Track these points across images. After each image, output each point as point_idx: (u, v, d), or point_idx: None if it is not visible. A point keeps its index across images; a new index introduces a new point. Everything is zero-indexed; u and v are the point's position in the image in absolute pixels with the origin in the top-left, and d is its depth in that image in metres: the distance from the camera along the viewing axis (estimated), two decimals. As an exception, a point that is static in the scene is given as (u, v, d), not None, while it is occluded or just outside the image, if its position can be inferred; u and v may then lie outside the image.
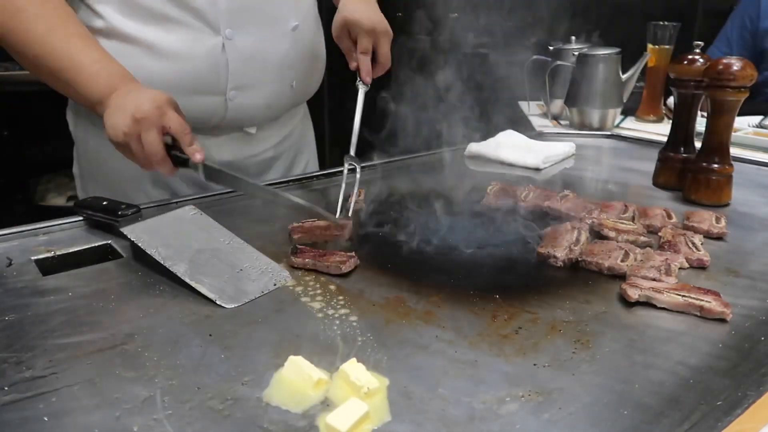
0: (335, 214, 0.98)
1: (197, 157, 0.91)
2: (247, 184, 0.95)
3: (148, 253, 0.78)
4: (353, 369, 0.57)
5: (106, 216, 0.90)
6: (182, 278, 0.75)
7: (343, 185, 1.03)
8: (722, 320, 0.69)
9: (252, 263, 0.80)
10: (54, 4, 0.98)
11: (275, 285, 0.76)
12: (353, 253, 0.83)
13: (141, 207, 0.92)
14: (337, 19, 1.14)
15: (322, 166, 1.44)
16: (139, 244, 0.80)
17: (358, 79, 1.13)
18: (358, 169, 1.09)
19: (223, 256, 0.80)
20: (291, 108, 1.29)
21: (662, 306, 0.72)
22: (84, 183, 1.23)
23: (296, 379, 0.57)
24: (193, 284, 0.74)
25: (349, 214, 1.00)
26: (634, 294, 0.73)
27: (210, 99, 1.11)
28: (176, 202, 1.05)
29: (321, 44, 1.29)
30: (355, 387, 0.56)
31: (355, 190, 1.06)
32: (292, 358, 0.59)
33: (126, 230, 0.82)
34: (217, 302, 0.72)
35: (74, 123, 1.20)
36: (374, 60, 1.15)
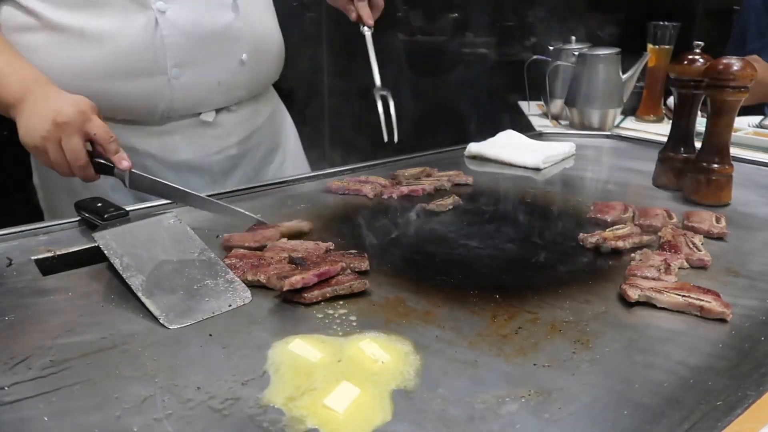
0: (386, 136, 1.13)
1: (124, 164, 0.91)
2: (176, 191, 0.93)
3: (111, 261, 0.76)
4: (367, 345, 0.61)
5: (95, 218, 0.88)
6: (135, 292, 0.72)
7: (381, 114, 1.15)
8: (722, 320, 0.69)
9: (215, 279, 0.75)
10: None
11: (230, 306, 0.71)
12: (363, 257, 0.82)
13: (130, 210, 0.91)
14: None
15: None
16: (105, 252, 0.77)
17: (361, 25, 1.23)
18: (389, 96, 1.20)
19: (186, 270, 0.77)
20: (250, 89, 1.24)
21: (662, 306, 0.72)
22: (45, 194, 1.22)
23: (298, 360, 0.60)
24: (143, 299, 0.71)
25: (395, 137, 1.12)
26: (633, 294, 0.73)
27: (152, 81, 1.07)
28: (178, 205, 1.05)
29: (271, 21, 1.27)
30: (366, 363, 0.59)
31: (393, 114, 1.17)
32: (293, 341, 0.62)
33: (96, 236, 0.80)
34: (161, 321, 0.68)
35: None
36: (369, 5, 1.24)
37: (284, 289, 0.71)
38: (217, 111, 1.19)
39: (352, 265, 0.79)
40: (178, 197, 0.96)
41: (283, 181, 1.19)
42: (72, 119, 0.88)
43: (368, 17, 1.22)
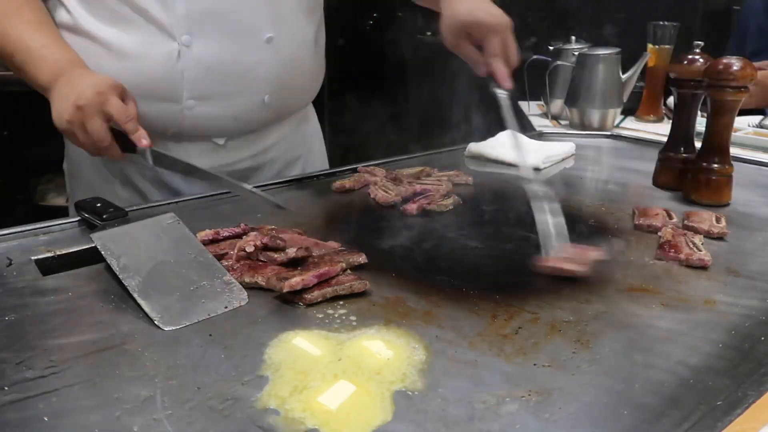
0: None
1: (143, 143, 0.91)
2: (198, 170, 0.94)
3: (108, 262, 0.76)
4: (372, 343, 0.62)
5: (93, 218, 0.88)
6: (131, 293, 0.72)
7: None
8: (722, 320, 0.69)
9: (211, 281, 0.75)
10: None
11: (226, 308, 0.71)
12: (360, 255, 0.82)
13: (129, 210, 0.91)
14: (449, 23, 1.01)
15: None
16: (102, 252, 0.77)
17: (494, 85, 1.00)
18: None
19: (183, 271, 0.76)
20: (269, 123, 1.21)
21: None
22: (71, 181, 1.23)
23: (298, 360, 0.60)
24: (139, 300, 0.70)
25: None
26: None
27: (165, 106, 1.07)
28: (176, 202, 1.05)
29: (308, 57, 1.20)
30: (367, 362, 0.60)
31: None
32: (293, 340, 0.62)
33: (94, 236, 0.80)
34: (156, 322, 0.67)
35: None
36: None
37: (284, 290, 0.71)
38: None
39: (350, 260, 0.80)
40: (200, 176, 0.98)
41: (284, 182, 1.19)
42: (91, 101, 0.89)
43: (505, 78, 0.99)
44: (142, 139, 0.91)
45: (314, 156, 1.38)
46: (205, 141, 1.15)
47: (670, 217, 0.99)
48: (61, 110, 0.91)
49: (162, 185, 1.16)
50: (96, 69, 0.99)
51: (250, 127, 1.18)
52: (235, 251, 0.76)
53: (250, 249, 0.76)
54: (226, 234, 0.85)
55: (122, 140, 0.93)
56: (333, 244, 0.85)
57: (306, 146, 1.34)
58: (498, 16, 0.99)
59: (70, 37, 1.04)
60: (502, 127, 1.48)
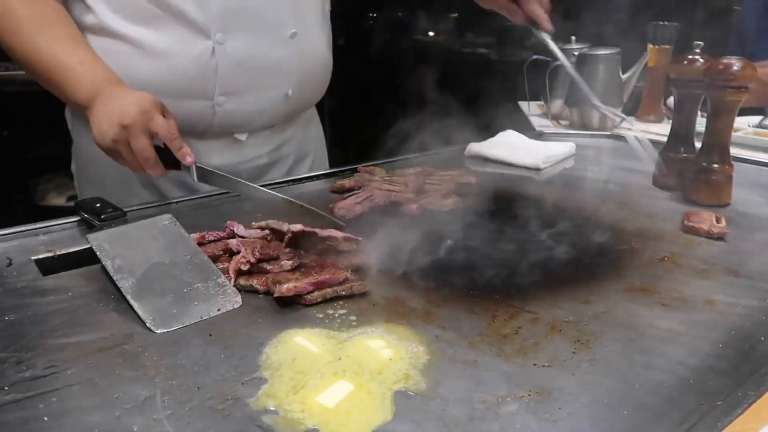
0: None
1: (188, 160, 0.92)
2: (240, 184, 0.95)
3: (103, 263, 0.76)
4: (374, 342, 0.63)
5: (92, 218, 0.88)
6: (125, 294, 0.72)
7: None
8: (722, 320, 0.69)
9: (205, 283, 0.74)
10: (43, 5, 0.98)
11: (219, 311, 0.71)
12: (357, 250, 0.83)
13: (128, 210, 0.91)
14: None
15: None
16: (98, 253, 0.77)
17: (536, 29, 1.09)
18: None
19: (177, 273, 0.76)
20: (289, 117, 1.26)
21: None
22: (80, 182, 1.23)
23: (298, 360, 0.60)
24: (132, 302, 0.70)
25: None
26: None
27: (197, 104, 1.09)
28: (176, 202, 1.05)
29: (325, 53, 1.25)
30: (367, 362, 0.60)
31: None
32: (292, 340, 0.62)
33: (90, 237, 0.80)
34: (148, 325, 0.67)
35: (71, 122, 1.20)
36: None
37: (275, 295, 0.71)
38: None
39: (351, 261, 0.80)
40: (244, 191, 0.99)
41: (284, 182, 1.19)
42: (136, 120, 0.90)
43: (545, 20, 1.09)
44: (187, 156, 0.92)
45: (320, 153, 1.41)
46: (228, 137, 1.17)
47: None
48: (105, 130, 0.91)
49: (182, 184, 1.17)
50: (126, 70, 1.00)
51: (272, 122, 1.21)
52: (232, 272, 0.76)
53: (246, 267, 0.76)
54: (211, 238, 0.86)
55: (164, 156, 0.94)
56: (333, 232, 0.85)
57: (313, 143, 1.38)
58: None
59: (95, 40, 1.04)
60: (502, 127, 1.48)
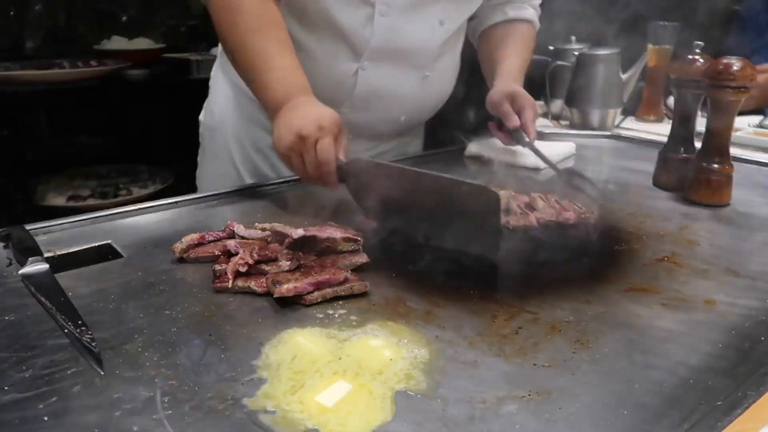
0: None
1: (333, 187, 0.98)
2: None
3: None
4: (375, 341, 0.63)
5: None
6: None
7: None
8: (722, 320, 0.69)
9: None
10: (268, 8, 1.06)
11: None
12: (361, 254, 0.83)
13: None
14: (502, 90, 1.25)
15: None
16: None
17: (520, 136, 1.24)
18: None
19: None
20: (396, 135, 1.38)
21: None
22: (203, 139, 1.40)
23: (297, 359, 0.60)
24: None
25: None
26: None
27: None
28: (176, 202, 1.05)
29: (449, 91, 1.36)
30: (367, 362, 0.60)
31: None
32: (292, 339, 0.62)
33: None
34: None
35: (215, 78, 1.39)
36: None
37: (275, 296, 0.71)
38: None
39: (352, 260, 0.80)
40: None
41: (283, 181, 1.19)
42: (311, 134, 0.94)
43: (533, 132, 1.24)
44: (331, 186, 0.97)
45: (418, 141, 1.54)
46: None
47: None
48: (283, 136, 0.96)
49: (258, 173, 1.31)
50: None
51: (379, 137, 1.35)
52: (230, 274, 0.76)
53: (244, 269, 0.76)
54: (210, 238, 0.86)
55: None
56: (333, 230, 0.85)
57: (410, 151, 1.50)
58: (530, 97, 1.27)
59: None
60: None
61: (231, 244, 0.83)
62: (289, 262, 0.78)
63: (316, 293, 0.72)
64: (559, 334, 0.67)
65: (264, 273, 0.77)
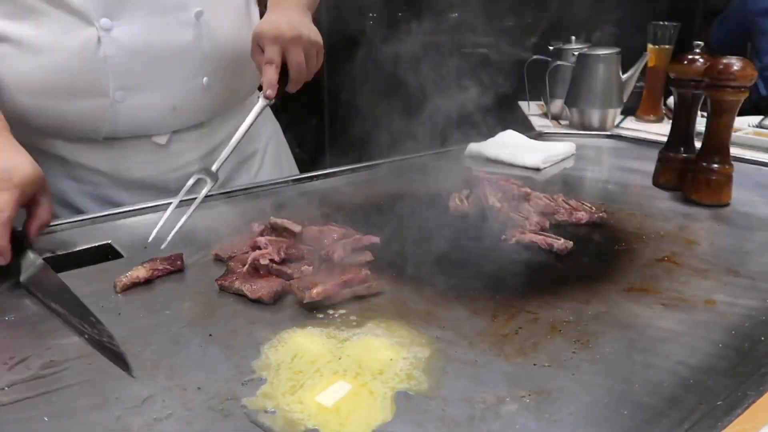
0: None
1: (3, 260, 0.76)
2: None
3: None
4: (376, 341, 0.63)
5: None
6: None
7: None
8: (722, 320, 0.69)
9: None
10: None
11: None
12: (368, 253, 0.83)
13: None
14: (261, 26, 0.99)
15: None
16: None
17: (260, 92, 0.98)
18: (208, 184, 0.91)
19: None
20: (215, 112, 1.11)
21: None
22: None
23: (297, 359, 0.60)
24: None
25: (162, 246, 0.83)
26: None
27: (92, 102, 0.97)
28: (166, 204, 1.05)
29: (244, 34, 1.06)
30: (367, 362, 0.60)
31: (189, 211, 0.87)
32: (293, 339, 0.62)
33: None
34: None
35: None
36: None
37: (305, 301, 0.70)
38: (173, 132, 1.07)
39: (356, 260, 0.81)
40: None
41: (283, 181, 1.19)
42: None
43: (268, 85, 0.96)
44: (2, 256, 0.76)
45: (272, 155, 1.28)
46: (145, 141, 1.05)
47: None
48: None
49: (104, 200, 1.06)
50: (8, 72, 0.91)
51: (193, 119, 1.08)
52: (249, 260, 0.75)
53: (264, 262, 0.75)
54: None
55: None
56: (334, 228, 0.85)
57: (260, 142, 1.24)
58: (284, 29, 0.96)
59: None
60: (502, 127, 1.48)
61: (261, 240, 0.82)
62: (311, 269, 0.77)
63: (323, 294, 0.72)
64: (559, 334, 0.67)
65: (280, 273, 0.76)
